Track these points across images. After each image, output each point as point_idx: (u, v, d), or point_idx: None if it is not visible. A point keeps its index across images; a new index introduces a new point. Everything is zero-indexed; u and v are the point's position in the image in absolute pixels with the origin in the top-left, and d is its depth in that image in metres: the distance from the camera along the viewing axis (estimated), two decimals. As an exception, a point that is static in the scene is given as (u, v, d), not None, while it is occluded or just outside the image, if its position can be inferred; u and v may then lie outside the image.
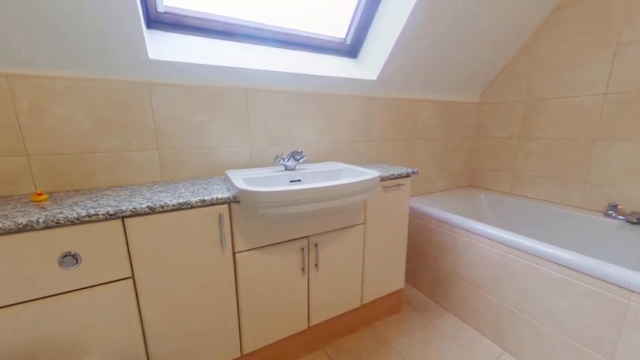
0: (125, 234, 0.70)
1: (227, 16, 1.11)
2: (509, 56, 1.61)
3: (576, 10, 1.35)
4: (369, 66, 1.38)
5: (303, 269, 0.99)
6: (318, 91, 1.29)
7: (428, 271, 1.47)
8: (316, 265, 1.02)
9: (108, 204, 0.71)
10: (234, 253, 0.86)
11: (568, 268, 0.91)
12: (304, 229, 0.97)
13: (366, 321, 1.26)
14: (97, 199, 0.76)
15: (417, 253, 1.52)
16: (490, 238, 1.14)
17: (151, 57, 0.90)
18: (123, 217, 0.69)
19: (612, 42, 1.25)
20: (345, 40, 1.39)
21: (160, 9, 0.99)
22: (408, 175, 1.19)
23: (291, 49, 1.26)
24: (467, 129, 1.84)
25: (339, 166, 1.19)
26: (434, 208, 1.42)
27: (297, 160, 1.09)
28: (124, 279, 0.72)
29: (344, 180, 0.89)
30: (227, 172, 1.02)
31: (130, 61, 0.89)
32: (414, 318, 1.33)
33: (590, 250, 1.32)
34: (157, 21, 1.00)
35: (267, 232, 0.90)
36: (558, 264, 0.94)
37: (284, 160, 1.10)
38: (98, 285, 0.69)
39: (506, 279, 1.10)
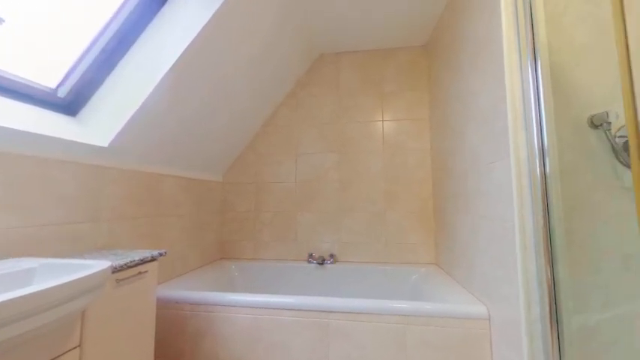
0: None
1: None
2: (242, 148, 2.07)
3: (274, 129, 2.08)
4: (96, 130, 1.13)
5: None
6: (-9, 148, 0.82)
7: (183, 373, 1.22)
8: None
9: None
10: None
11: (295, 310, 1.18)
12: None
13: None
14: None
15: (167, 356, 1.24)
16: (243, 305, 1.21)
17: None
18: None
19: (294, 152, 2.04)
20: (56, 90, 1.07)
21: None
22: (153, 259, 1.01)
23: None
24: (214, 204, 1.99)
25: (31, 263, 0.76)
26: (187, 291, 1.29)
27: None
28: None
29: (35, 287, 0.57)
30: None
31: None
32: None
33: (305, 289, 1.81)
34: None
35: None
36: (290, 309, 1.18)
37: None
38: None
39: (260, 340, 1.18)
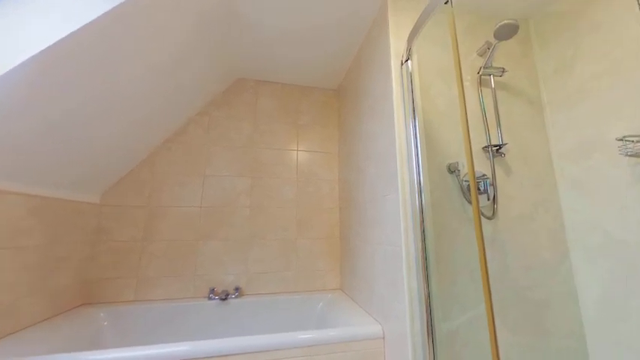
0: None
1: None
2: (133, 164, 1.74)
3: (179, 146, 1.86)
4: None
5: None
6: None
7: None
8: None
9: None
10: None
11: (188, 360, 0.99)
12: None
13: None
14: None
15: None
16: (111, 366, 0.93)
17: None
18: None
19: (201, 173, 1.85)
20: None
21: None
22: (-45, 316, 0.67)
23: None
24: (82, 232, 1.54)
25: None
26: (12, 359, 0.90)
27: None
28: None
29: None
30: None
31: None
32: None
33: (203, 332, 1.56)
34: None
35: None
36: (181, 361, 0.98)
37: None
38: None
39: (131, 411, 0.92)
